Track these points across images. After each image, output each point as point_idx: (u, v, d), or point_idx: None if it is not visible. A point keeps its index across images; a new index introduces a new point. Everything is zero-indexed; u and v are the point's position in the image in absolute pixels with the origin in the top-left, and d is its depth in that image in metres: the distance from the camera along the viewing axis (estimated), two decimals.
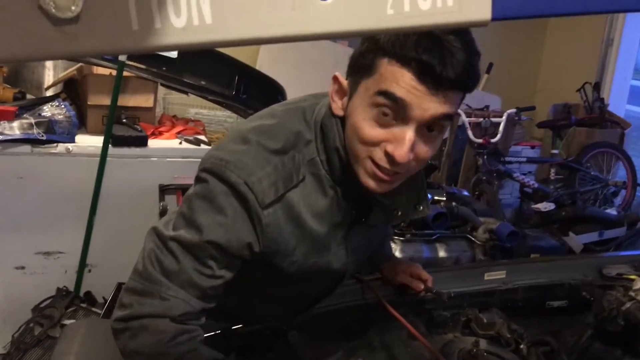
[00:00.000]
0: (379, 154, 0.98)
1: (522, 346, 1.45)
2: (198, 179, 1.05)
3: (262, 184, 1.01)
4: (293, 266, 1.12)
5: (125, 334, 1.04)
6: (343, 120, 1.05)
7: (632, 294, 1.48)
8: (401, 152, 0.95)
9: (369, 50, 0.97)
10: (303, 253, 1.11)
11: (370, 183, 1.02)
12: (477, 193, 3.89)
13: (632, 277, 1.56)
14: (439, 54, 0.90)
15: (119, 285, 2.59)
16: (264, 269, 1.10)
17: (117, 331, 1.06)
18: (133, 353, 1.04)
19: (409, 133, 0.95)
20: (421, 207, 1.18)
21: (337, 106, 1.05)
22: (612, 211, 4.23)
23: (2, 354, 2.48)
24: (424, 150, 0.99)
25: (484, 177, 3.90)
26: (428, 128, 0.97)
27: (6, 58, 0.40)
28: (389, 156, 0.97)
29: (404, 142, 0.95)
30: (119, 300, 1.07)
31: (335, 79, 1.06)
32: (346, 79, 1.05)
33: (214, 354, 1.07)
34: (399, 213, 1.17)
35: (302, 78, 3.66)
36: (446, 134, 4.26)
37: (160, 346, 1.01)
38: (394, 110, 0.94)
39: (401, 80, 0.92)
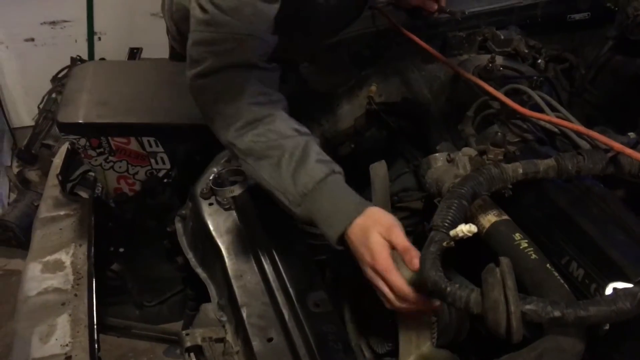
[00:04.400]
0: None
1: (539, 61, 1.42)
2: None
3: None
4: None
5: (205, 92, 0.99)
6: None
7: None
8: None
9: None
10: None
11: None
12: None
13: None
14: None
15: (131, 50, 2.57)
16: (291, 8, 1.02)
17: (195, 89, 1.00)
18: (214, 113, 1.00)
19: None
20: None
21: None
22: None
23: (32, 125, 2.57)
24: None
25: None
26: None
27: None
28: None
29: None
30: (188, 57, 0.99)
31: None
32: None
33: (289, 124, 0.99)
34: None
35: None
36: None
37: (240, 102, 0.97)
38: None
39: None
